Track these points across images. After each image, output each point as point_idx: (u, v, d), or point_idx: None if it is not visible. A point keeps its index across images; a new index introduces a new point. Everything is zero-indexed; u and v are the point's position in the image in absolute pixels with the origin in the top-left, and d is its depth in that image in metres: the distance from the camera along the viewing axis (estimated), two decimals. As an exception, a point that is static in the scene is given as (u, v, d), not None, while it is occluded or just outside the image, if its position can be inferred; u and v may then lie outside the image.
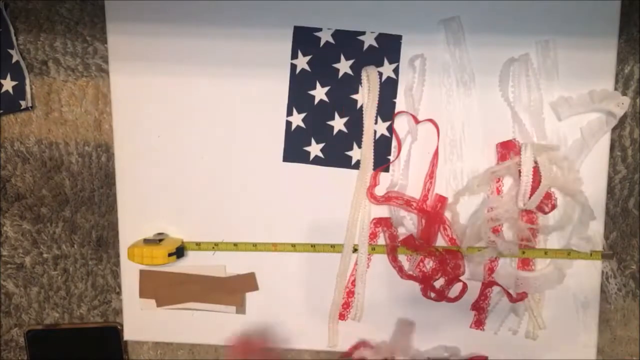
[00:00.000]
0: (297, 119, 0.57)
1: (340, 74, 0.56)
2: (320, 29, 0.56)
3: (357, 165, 0.57)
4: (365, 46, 0.55)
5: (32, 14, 0.59)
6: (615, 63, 0.54)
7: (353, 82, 0.56)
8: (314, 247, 0.58)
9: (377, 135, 0.56)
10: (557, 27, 0.53)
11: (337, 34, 0.55)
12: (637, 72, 0.55)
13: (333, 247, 0.58)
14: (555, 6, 0.53)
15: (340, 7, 0.55)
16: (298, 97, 0.57)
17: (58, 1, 0.59)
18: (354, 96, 0.56)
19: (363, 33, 0.55)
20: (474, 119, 0.55)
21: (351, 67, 0.56)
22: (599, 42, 0.53)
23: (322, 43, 0.56)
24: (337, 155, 0.57)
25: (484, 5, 0.54)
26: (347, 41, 0.55)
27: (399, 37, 0.55)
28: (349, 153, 0.57)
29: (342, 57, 0.56)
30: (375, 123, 0.56)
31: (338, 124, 0.57)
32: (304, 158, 0.58)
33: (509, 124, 0.55)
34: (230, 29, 0.56)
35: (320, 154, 0.57)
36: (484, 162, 0.55)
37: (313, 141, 0.57)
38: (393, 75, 0.55)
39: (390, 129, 0.56)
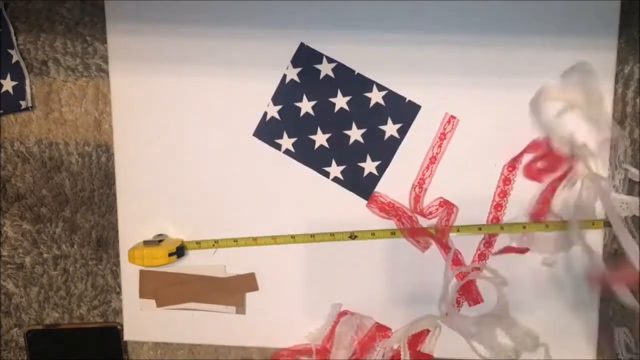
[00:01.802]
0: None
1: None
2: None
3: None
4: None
5: (32, 14, 0.59)
6: (615, 63, 0.54)
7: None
8: (313, 237, 0.58)
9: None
10: (557, 27, 0.53)
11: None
12: (637, 72, 0.55)
13: (333, 236, 0.58)
14: (555, 6, 0.53)
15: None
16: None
17: (58, 1, 0.59)
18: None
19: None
20: (475, 120, 0.56)
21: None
22: (599, 42, 0.53)
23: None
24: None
25: (484, 5, 0.54)
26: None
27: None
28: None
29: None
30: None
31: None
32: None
33: (512, 125, 0.55)
34: (230, 30, 0.56)
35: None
36: (486, 162, 0.56)
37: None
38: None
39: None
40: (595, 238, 0.55)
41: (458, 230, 0.56)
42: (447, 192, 0.56)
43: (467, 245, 0.57)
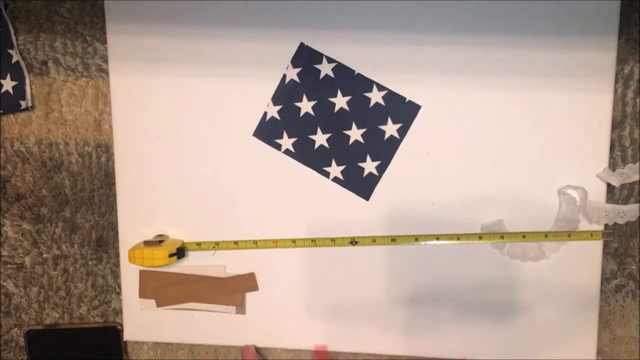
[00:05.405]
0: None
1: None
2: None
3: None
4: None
5: (32, 14, 0.59)
6: (615, 63, 0.54)
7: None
8: (314, 242, 0.58)
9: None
10: (557, 27, 0.53)
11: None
12: (637, 72, 0.55)
13: (333, 241, 0.58)
14: (555, 6, 0.53)
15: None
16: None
17: (58, 1, 0.59)
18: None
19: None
20: (474, 119, 0.56)
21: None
22: (599, 42, 0.53)
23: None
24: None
25: (484, 5, 0.54)
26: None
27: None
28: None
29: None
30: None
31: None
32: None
33: (512, 124, 0.55)
34: (230, 30, 0.56)
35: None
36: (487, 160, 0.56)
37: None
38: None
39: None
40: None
41: (458, 239, 0.56)
42: (445, 194, 0.56)
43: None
